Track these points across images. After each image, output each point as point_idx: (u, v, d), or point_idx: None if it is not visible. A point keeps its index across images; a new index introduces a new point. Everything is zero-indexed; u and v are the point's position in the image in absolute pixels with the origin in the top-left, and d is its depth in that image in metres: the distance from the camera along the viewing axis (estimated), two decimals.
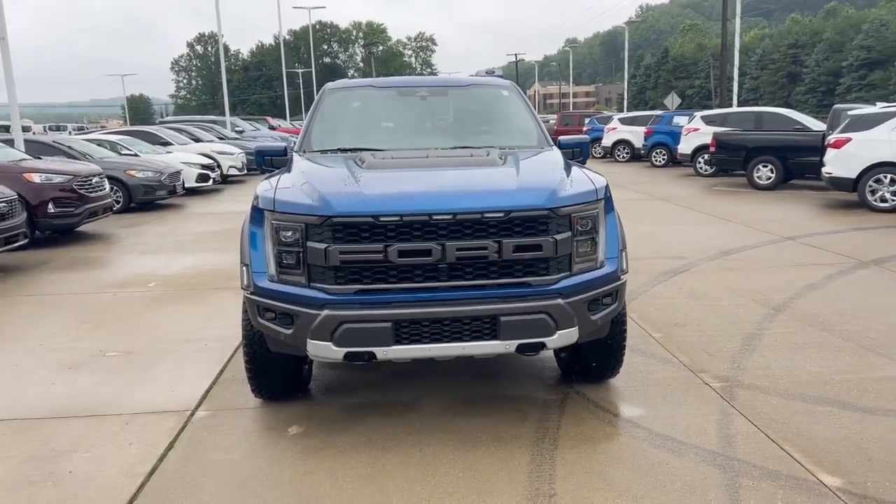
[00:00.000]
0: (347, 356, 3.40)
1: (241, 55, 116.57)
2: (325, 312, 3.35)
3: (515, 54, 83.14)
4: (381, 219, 3.33)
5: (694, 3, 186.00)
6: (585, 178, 3.78)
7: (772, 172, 14.32)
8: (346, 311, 3.35)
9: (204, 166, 16.51)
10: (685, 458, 3.35)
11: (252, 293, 3.61)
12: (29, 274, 7.89)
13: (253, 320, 3.66)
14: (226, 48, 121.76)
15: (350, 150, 4.45)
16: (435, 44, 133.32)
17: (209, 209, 13.71)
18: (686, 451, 3.41)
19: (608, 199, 3.76)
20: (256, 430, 3.79)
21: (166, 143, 18.39)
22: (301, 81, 71.23)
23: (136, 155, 14.96)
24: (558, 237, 3.43)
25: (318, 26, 74.55)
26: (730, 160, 14.98)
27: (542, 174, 3.72)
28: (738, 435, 3.56)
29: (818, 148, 13.55)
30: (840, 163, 11.20)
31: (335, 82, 5.22)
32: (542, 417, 3.85)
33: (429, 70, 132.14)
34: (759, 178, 14.44)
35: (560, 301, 3.44)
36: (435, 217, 3.34)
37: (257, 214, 3.67)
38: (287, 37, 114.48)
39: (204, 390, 4.34)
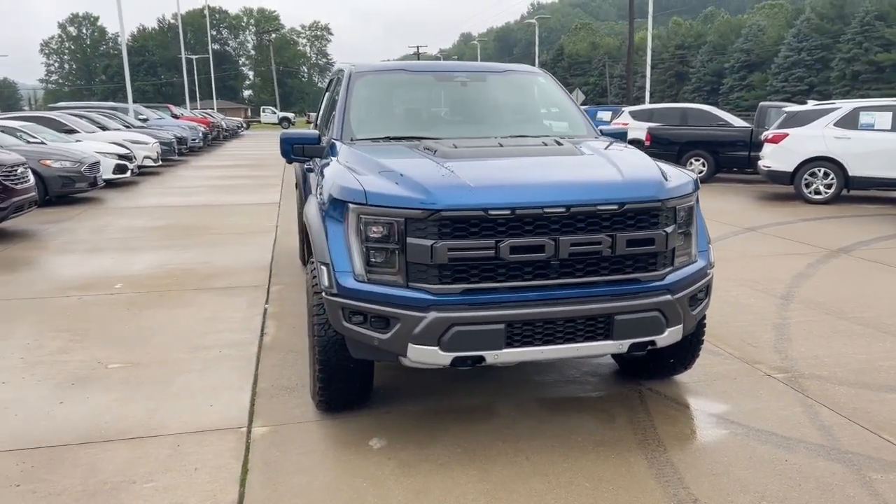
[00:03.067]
0: (455, 361, 3.12)
1: (120, 39, 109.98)
2: (433, 315, 3.06)
3: (417, 47, 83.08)
4: (491, 212, 3.07)
5: (583, 3, 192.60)
6: (678, 170, 3.68)
7: (703, 166, 14.95)
8: (455, 313, 3.07)
9: (121, 156, 15.27)
10: (799, 453, 3.31)
11: (336, 295, 3.25)
12: None
13: (336, 324, 3.30)
14: (103, 31, 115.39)
15: (402, 138, 4.13)
16: (331, 33, 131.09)
17: (135, 203, 12.67)
18: (795, 446, 3.38)
19: (698, 192, 3.68)
20: (334, 447, 3.43)
21: (71, 131, 16.88)
22: (195, 68, 67.66)
23: (42, 143, 13.61)
24: (668, 230, 3.30)
25: (205, 12, 71.10)
26: (664, 154, 15.41)
27: (640, 166, 3.56)
28: (834, 427, 3.57)
29: (746, 143, 14.28)
30: (778, 157, 11.80)
31: (358, 66, 4.83)
32: (632, 418, 3.72)
33: (325, 60, 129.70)
34: (691, 171, 14.99)
35: (670, 297, 3.31)
36: (548, 210, 3.12)
37: (337, 207, 3.31)
38: (171, 21, 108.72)
39: (248, 404, 3.91)
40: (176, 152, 21.73)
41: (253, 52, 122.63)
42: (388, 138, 4.15)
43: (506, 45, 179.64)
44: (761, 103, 14.98)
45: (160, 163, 18.82)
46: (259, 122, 73.20)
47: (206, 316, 5.55)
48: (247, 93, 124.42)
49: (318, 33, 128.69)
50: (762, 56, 64.32)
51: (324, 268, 3.32)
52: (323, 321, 3.44)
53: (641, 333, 3.27)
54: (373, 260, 3.20)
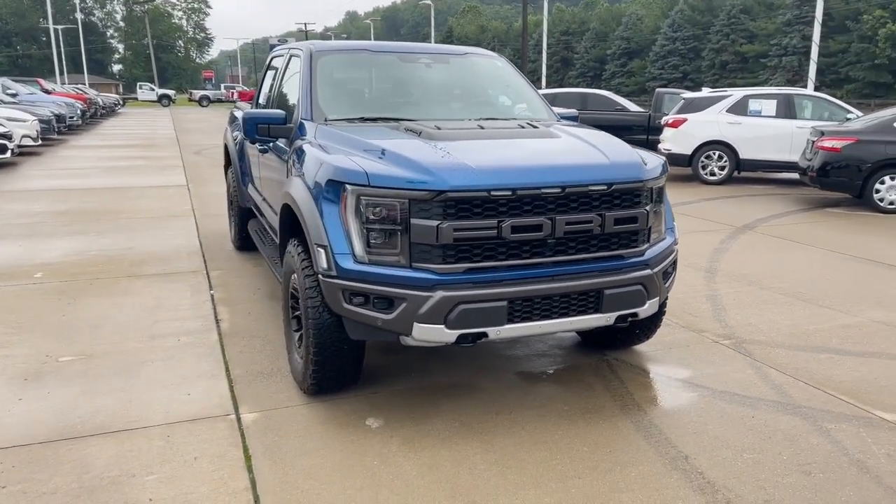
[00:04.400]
0: (460, 338, 3.21)
1: None
2: (440, 294, 3.12)
3: (304, 24, 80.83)
4: (493, 193, 3.17)
5: None
6: (649, 154, 3.91)
7: None
8: (461, 292, 3.15)
9: None
10: (761, 410, 3.65)
11: (335, 277, 3.25)
12: None
13: (335, 306, 3.30)
14: None
15: (377, 119, 4.14)
16: (209, 6, 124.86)
17: (25, 186, 11.69)
18: (756, 404, 3.73)
19: (666, 173, 3.93)
20: (332, 428, 3.43)
21: None
22: (61, 40, 62.41)
23: None
24: (647, 209, 3.53)
25: None
26: None
27: (621, 149, 3.75)
28: (784, 385, 3.96)
29: (645, 127, 15.09)
30: (677, 140, 12.59)
31: (317, 45, 4.74)
32: (607, 386, 3.95)
33: (203, 35, 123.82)
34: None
35: (650, 271, 3.55)
36: (545, 191, 3.25)
37: (333, 188, 3.29)
38: None
39: (227, 391, 3.82)
40: (55, 131, 20.19)
41: (122, 24, 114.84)
42: (363, 119, 4.14)
43: (392, 24, 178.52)
44: (657, 89, 15.87)
45: (40, 142, 17.42)
46: (136, 99, 68.84)
47: (150, 304, 5.30)
48: (116, 67, 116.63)
49: (196, 6, 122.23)
50: (641, 44, 67.68)
51: (321, 250, 3.29)
52: (317, 304, 3.42)
53: (627, 306, 3.48)
54: (373, 241, 3.21)
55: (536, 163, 3.38)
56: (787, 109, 12.08)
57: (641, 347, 4.49)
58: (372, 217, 3.19)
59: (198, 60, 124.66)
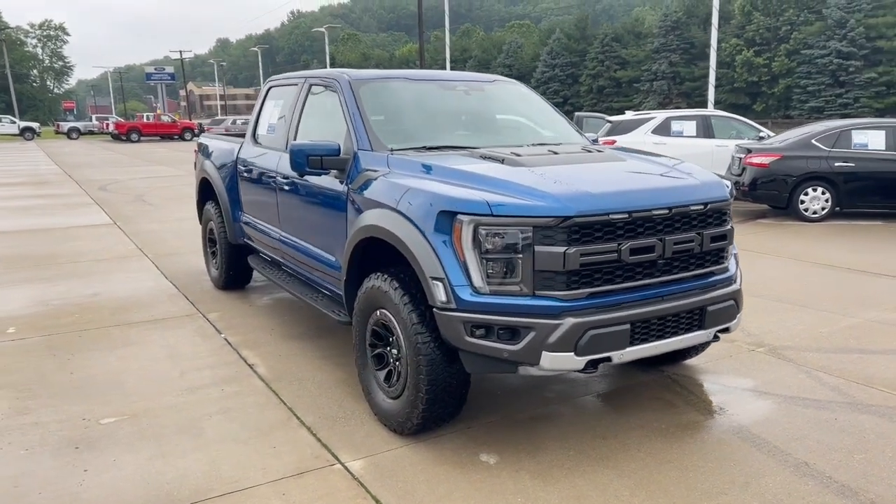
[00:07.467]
0: (588, 364, 3.18)
1: None
2: (570, 321, 3.09)
3: (180, 51, 77.82)
4: (612, 217, 3.19)
5: (343, 14, 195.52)
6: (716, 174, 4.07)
7: None
8: (589, 318, 3.13)
9: None
10: (839, 412, 3.86)
11: (456, 310, 3.14)
12: None
13: (455, 340, 3.18)
14: None
15: (442, 147, 4.06)
16: (67, 33, 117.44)
17: None
18: (832, 406, 3.93)
19: None
20: (450, 469, 3.28)
21: None
22: None
23: None
24: (731, 226, 3.68)
25: None
26: None
27: (700, 171, 3.84)
28: (840, 386, 4.20)
29: None
30: None
31: (352, 73, 4.55)
32: (686, 400, 4.04)
33: (61, 63, 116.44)
34: None
35: (737, 286, 3.69)
36: (655, 213, 3.31)
37: (444, 219, 3.19)
38: None
39: (312, 440, 3.57)
40: None
41: None
42: (427, 147, 4.04)
43: (268, 52, 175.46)
44: (576, 113, 16.53)
45: None
46: None
47: (162, 354, 4.87)
48: None
49: (52, 33, 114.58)
50: (522, 70, 70.31)
51: (438, 283, 3.17)
52: (428, 339, 3.29)
53: (723, 321, 3.59)
54: (492, 271, 3.14)
55: (644, 186, 3.43)
56: (706, 129, 12.95)
57: (692, 361, 4.62)
58: (491, 247, 3.12)
59: (56, 91, 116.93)
